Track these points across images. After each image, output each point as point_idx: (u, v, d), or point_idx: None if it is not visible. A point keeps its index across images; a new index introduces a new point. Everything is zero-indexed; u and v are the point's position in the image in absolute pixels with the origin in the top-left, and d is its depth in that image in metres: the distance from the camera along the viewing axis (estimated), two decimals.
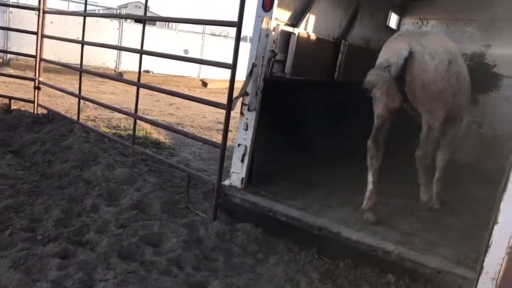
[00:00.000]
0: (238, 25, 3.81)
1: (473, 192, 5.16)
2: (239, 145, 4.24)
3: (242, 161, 4.23)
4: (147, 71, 16.76)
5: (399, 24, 7.95)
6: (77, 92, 6.36)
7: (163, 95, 10.33)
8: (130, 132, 6.14)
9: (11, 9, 14.11)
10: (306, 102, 5.48)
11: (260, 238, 3.83)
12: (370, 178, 4.16)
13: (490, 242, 2.68)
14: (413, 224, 4.06)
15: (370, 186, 4.14)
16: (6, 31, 13.71)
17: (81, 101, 6.45)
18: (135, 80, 5.16)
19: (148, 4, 5.34)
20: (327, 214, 4.02)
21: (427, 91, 3.78)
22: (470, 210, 4.59)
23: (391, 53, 3.79)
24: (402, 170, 5.73)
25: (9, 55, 14.20)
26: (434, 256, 3.38)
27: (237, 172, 4.29)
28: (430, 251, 3.48)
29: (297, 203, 4.16)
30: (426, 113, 3.97)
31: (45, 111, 6.87)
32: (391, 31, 7.74)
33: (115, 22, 16.62)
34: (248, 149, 4.20)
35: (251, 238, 3.81)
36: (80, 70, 6.38)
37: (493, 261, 2.69)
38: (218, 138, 7.38)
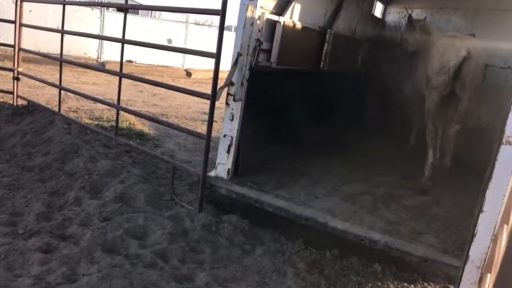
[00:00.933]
0: (222, 13, 3.74)
1: (457, 181, 5.21)
2: (224, 135, 4.19)
3: (228, 152, 4.19)
4: (130, 61, 16.49)
5: (384, 13, 7.95)
6: (57, 82, 6.21)
7: (147, 85, 10.19)
8: (113, 123, 6.02)
9: None
10: (292, 92, 5.45)
11: (246, 229, 3.81)
12: (430, 153, 5.11)
13: (475, 231, 2.70)
14: (398, 213, 4.10)
15: (430, 159, 5.10)
16: None
17: (62, 92, 6.30)
18: (118, 70, 5.05)
19: None
20: (314, 204, 4.02)
21: (474, 83, 4.89)
22: (455, 199, 4.63)
23: (449, 55, 4.85)
24: (385, 160, 5.79)
25: None
26: (421, 245, 3.41)
27: (223, 163, 4.24)
28: (416, 240, 3.50)
29: (283, 193, 4.14)
30: (466, 98, 4.95)
31: (25, 103, 6.70)
32: (376, 20, 7.74)
33: (96, 10, 16.27)
34: (234, 139, 4.15)
35: (237, 229, 3.79)
36: (61, 60, 6.22)
37: (479, 250, 2.71)
38: (203, 128, 7.31)
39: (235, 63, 3.97)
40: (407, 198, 4.56)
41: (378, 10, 7.64)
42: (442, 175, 5.33)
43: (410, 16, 6.17)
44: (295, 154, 5.36)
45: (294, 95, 5.52)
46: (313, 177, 4.82)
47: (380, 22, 7.91)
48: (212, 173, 4.28)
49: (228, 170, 4.22)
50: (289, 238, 3.79)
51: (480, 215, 2.68)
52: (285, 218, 3.84)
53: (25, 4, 6.69)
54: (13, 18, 6.55)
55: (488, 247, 2.66)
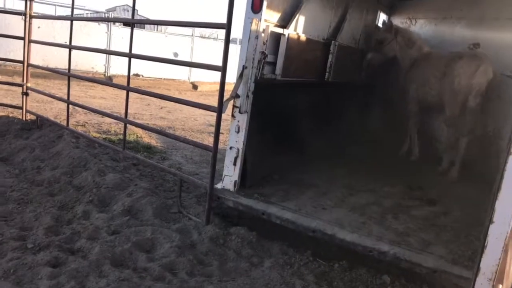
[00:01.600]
0: (227, 27, 3.78)
1: (465, 190, 5.18)
2: (231, 147, 4.21)
3: (235, 164, 4.20)
4: (137, 75, 16.65)
5: None
6: (65, 97, 6.28)
7: (154, 98, 10.26)
8: (121, 136, 6.07)
9: None
10: (297, 103, 5.47)
11: (254, 241, 3.80)
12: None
13: (486, 243, 2.66)
14: (407, 224, 4.06)
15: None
16: None
17: (70, 106, 6.37)
18: (125, 84, 5.10)
19: (137, 7, 5.29)
20: (321, 215, 4.00)
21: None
22: (463, 209, 4.60)
23: (480, 78, 5.36)
24: (391, 171, 5.77)
25: None
26: (430, 256, 3.38)
27: (230, 175, 4.25)
28: (425, 251, 3.47)
29: (290, 205, 4.13)
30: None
31: (33, 117, 6.78)
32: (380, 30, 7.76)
33: (103, 25, 16.50)
34: (240, 151, 4.17)
35: (245, 241, 3.78)
36: (69, 75, 6.31)
37: (490, 262, 2.67)
38: (209, 141, 7.34)
39: (240, 76, 4.00)
40: (415, 209, 4.52)
41: (381, 20, 7.67)
42: (450, 185, 5.31)
43: (390, 22, 6.73)
44: (301, 165, 5.35)
45: (299, 106, 5.54)
46: (320, 188, 4.81)
47: None
48: (219, 185, 4.28)
49: (235, 182, 4.23)
50: (297, 250, 3.77)
51: (490, 226, 2.66)
52: (292, 230, 3.83)
53: (33, 20, 6.81)
54: (22, 35, 6.67)
55: (499, 259, 2.63)
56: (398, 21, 7.50)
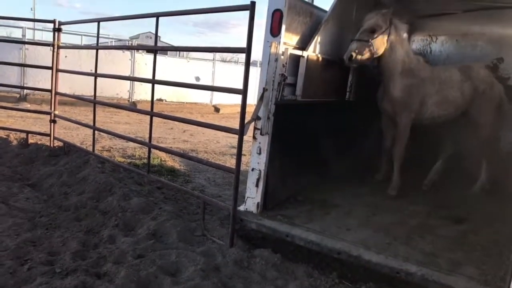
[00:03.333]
0: (247, 51, 3.85)
1: (492, 208, 5.03)
2: (253, 169, 4.23)
3: (257, 185, 4.21)
4: (160, 100, 17.00)
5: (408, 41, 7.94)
6: (91, 123, 6.46)
7: (177, 122, 10.43)
8: (145, 160, 6.18)
9: (27, 45, 14.56)
10: (319, 123, 5.47)
11: (278, 264, 3.77)
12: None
13: None
14: (434, 244, 3.96)
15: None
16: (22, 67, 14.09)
17: (96, 132, 6.53)
18: (149, 109, 5.22)
19: (159, 34, 5.44)
20: (346, 236, 3.95)
21: None
22: (493, 227, 4.46)
23: (498, 90, 5.60)
24: (416, 189, 5.66)
25: (25, 90, 14.57)
26: (460, 277, 3.27)
27: (252, 197, 4.26)
28: (455, 272, 3.37)
29: (314, 226, 4.09)
30: None
31: (61, 144, 6.98)
32: None
33: (127, 53, 16.97)
34: (262, 173, 4.18)
35: (269, 264, 3.75)
36: (94, 102, 6.50)
37: None
38: (232, 162, 7.37)
39: (261, 98, 4.04)
40: (442, 228, 4.41)
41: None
42: (478, 202, 5.17)
43: (391, 7, 5.06)
44: (324, 185, 5.32)
45: (321, 126, 5.53)
46: (344, 208, 4.76)
47: None
48: (242, 207, 4.29)
49: (258, 204, 4.23)
50: (322, 272, 3.72)
51: None
52: (317, 252, 3.78)
53: (61, 50, 7.08)
54: (50, 64, 6.93)
55: None
56: (418, 39, 7.48)
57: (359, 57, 4.86)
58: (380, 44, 4.96)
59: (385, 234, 4.09)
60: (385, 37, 4.98)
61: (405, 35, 5.25)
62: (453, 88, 5.44)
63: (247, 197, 4.30)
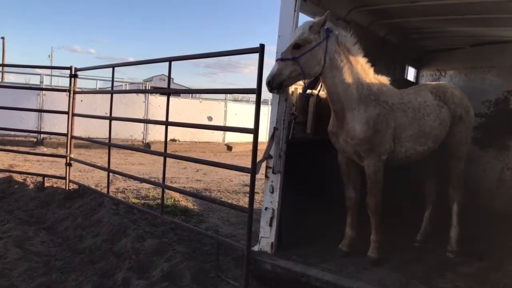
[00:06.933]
0: (258, 91, 3.93)
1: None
2: (266, 208, 4.21)
3: (271, 225, 4.18)
4: (174, 140, 17.20)
5: (417, 77, 8.02)
6: (106, 165, 6.55)
7: (190, 162, 10.52)
8: (159, 201, 6.20)
9: (44, 91, 15.03)
10: (330, 159, 5.47)
11: None
12: None
13: None
14: (455, 283, 3.84)
15: None
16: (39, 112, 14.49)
17: (110, 174, 6.61)
18: (162, 149, 5.29)
19: (172, 76, 5.58)
20: (363, 276, 3.86)
21: None
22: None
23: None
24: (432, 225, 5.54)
25: (42, 135, 14.92)
26: None
27: (266, 237, 4.22)
28: None
29: (330, 266, 4.02)
30: None
31: (76, 186, 7.06)
32: (410, 84, 7.81)
33: (141, 95, 17.34)
34: (276, 212, 4.16)
35: None
36: (109, 145, 6.62)
37: None
38: (245, 201, 7.36)
39: (272, 137, 4.09)
40: (463, 265, 4.28)
41: (411, 74, 7.73)
42: (497, 237, 5.03)
43: (327, 15, 3.82)
44: (338, 223, 5.24)
45: (332, 162, 5.53)
46: (360, 245, 4.67)
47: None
48: (256, 248, 4.25)
49: (272, 243, 4.19)
50: None
51: None
52: None
53: (77, 95, 7.29)
54: (66, 109, 7.12)
55: None
56: (427, 73, 7.55)
57: (279, 79, 3.75)
58: (311, 62, 3.84)
59: (403, 273, 4.00)
60: (319, 53, 3.85)
61: (355, 48, 4.07)
62: (430, 116, 4.41)
63: (261, 237, 4.27)
